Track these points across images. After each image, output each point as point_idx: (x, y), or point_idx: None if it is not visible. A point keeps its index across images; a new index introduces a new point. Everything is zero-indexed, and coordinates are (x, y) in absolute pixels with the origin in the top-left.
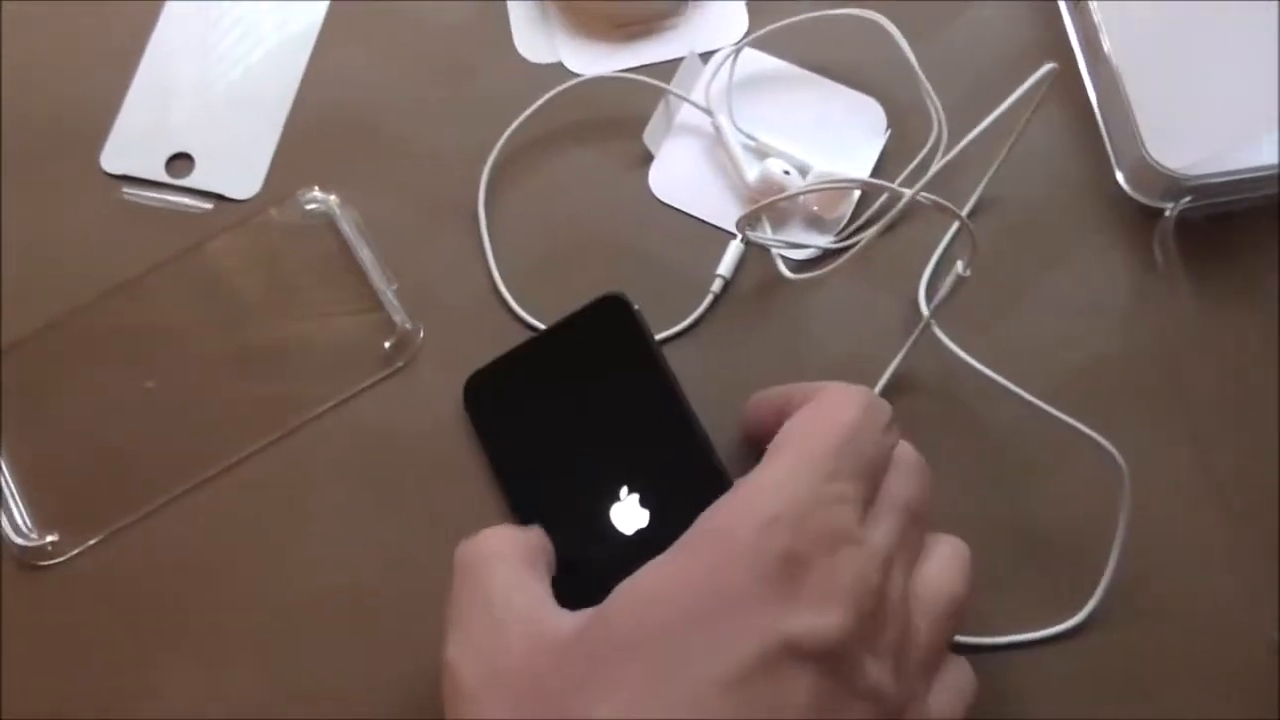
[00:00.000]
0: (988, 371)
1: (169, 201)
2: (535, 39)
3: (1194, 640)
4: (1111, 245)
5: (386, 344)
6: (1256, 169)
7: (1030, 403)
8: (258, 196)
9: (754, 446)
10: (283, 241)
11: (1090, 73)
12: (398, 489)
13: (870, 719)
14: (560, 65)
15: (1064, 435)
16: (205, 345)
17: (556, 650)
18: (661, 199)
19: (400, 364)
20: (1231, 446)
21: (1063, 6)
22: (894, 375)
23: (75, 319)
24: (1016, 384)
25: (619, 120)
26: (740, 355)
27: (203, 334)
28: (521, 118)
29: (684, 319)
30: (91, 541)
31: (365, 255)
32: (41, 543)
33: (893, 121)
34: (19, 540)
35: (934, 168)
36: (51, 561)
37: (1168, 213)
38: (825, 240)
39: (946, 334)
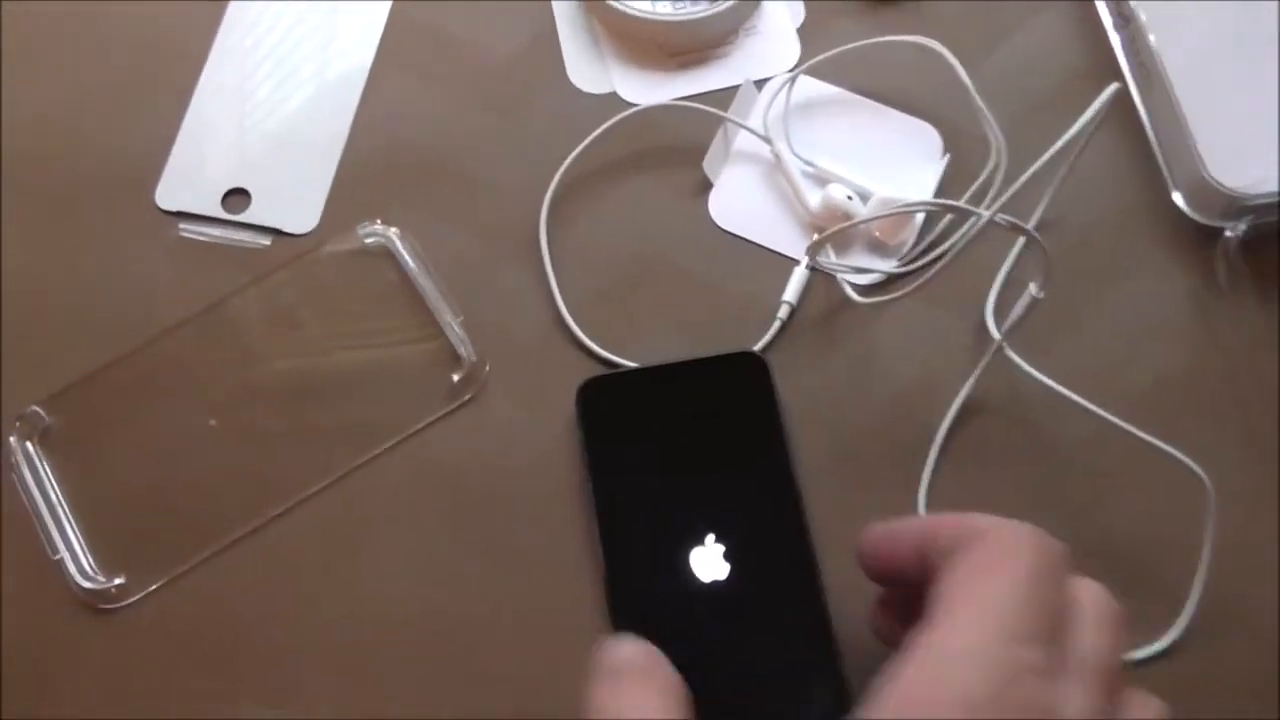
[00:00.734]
0: (1064, 391)
1: (226, 238)
2: (588, 69)
3: None
4: (1173, 264)
5: (455, 376)
6: None
7: (1105, 421)
8: (316, 230)
9: (874, 578)
10: (343, 275)
11: (1141, 93)
12: (468, 523)
13: None
14: (614, 95)
15: (1140, 454)
16: (267, 381)
17: None
18: (723, 226)
19: (468, 396)
20: None
21: (1109, 27)
22: (969, 395)
23: (135, 358)
24: (1088, 403)
25: (677, 149)
26: (810, 381)
27: (265, 370)
28: (581, 146)
29: (751, 346)
30: (159, 583)
31: (427, 286)
32: (108, 585)
33: (949, 146)
34: (85, 584)
35: (1007, 192)
36: (118, 605)
37: (1229, 232)
38: (890, 265)
39: (1014, 354)
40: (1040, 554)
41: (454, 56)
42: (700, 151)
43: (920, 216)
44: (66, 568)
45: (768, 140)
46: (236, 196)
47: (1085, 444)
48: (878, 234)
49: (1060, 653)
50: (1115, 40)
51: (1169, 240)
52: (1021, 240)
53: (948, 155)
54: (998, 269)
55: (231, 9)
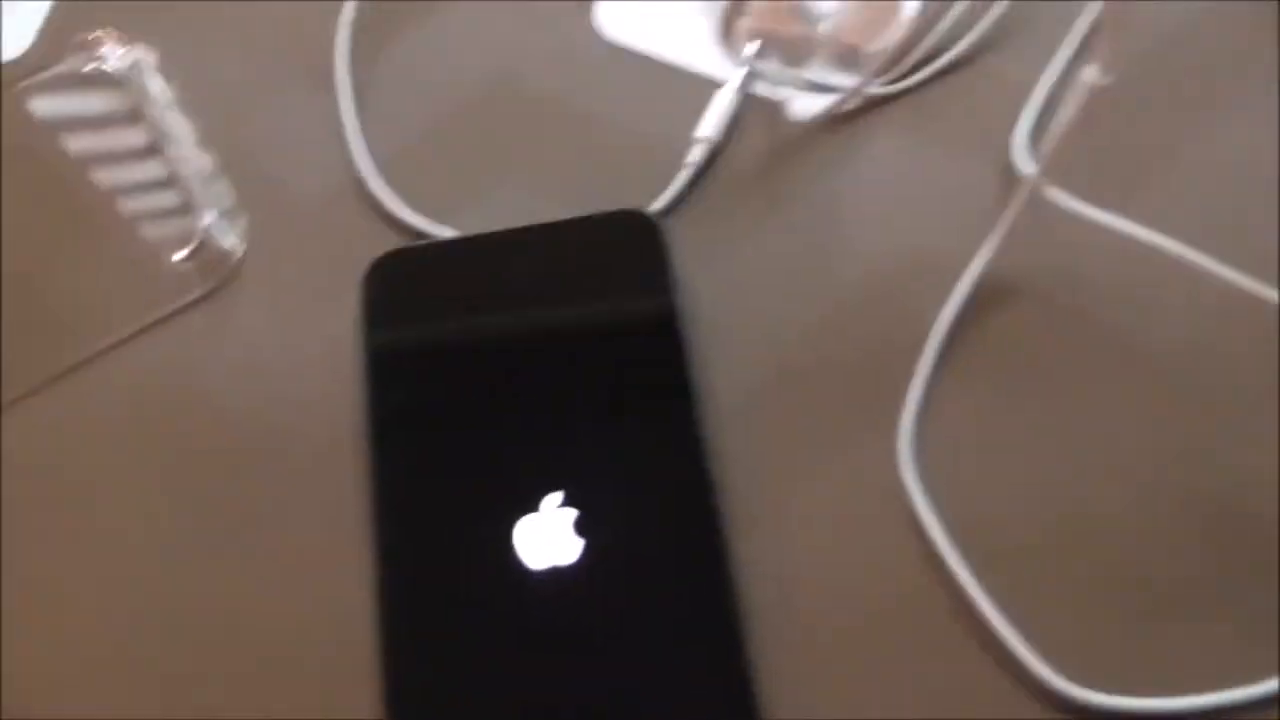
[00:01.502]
0: (1159, 239)
1: None
2: None
3: None
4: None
5: (196, 256)
6: None
7: (1224, 295)
8: (30, 52)
9: None
10: (62, 114)
11: None
12: (196, 478)
13: None
14: None
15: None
16: None
17: None
18: (615, 39)
19: (213, 285)
20: None
21: None
22: (987, 273)
23: None
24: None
25: None
26: (733, 259)
27: None
28: None
29: (650, 203)
30: None
31: (177, 129)
32: None
33: None
34: None
35: None
36: None
37: None
38: (865, 81)
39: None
40: None
41: None
42: None
43: (908, 10)
44: None
45: None
46: None
47: (1185, 349)
48: (848, 39)
49: None
50: None
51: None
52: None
53: None
54: (1032, 83)
55: None
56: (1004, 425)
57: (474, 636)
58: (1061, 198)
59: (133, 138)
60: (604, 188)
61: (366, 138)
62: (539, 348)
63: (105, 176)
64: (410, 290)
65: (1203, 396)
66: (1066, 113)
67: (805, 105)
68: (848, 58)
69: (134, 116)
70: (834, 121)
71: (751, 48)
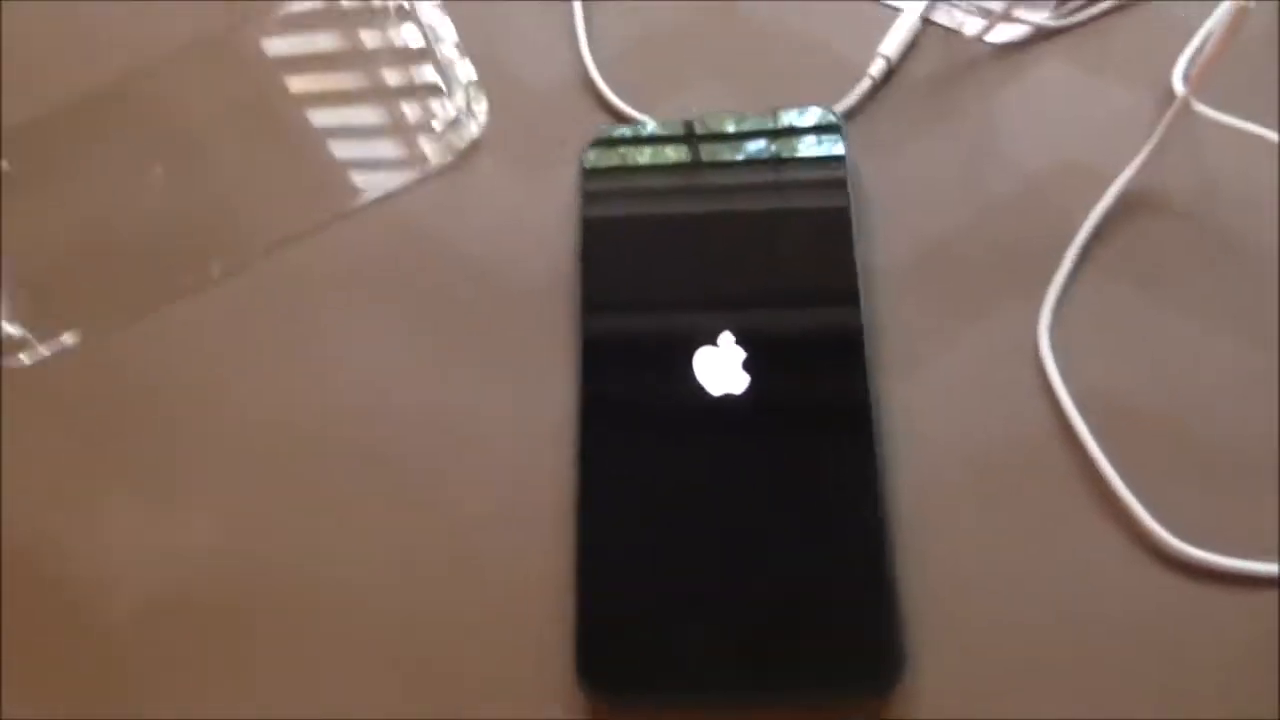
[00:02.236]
0: None
1: None
2: None
3: None
4: None
5: (444, 132)
6: None
7: None
8: None
9: None
10: (328, 13)
11: None
12: (436, 315)
13: None
14: None
15: None
16: (222, 132)
17: None
18: None
19: (453, 158)
20: None
21: None
22: (1137, 181)
23: (92, 101)
24: None
25: None
26: (902, 162)
27: (220, 119)
28: None
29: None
30: (65, 342)
31: (442, 30)
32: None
33: None
34: None
35: None
36: (14, 360)
37: None
38: (1040, 16)
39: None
40: None
41: None
42: None
43: None
44: None
45: None
46: None
47: None
48: None
49: None
50: None
51: None
52: None
53: None
54: (1197, 24)
55: None
56: (1137, 316)
57: (656, 438)
58: (1210, 111)
59: (408, 34)
60: (792, 94)
61: (590, 40)
62: (729, 217)
63: (384, 65)
64: (621, 165)
65: None
66: (1217, 33)
67: (982, 32)
68: None
69: (408, 15)
70: (1005, 49)
71: None
